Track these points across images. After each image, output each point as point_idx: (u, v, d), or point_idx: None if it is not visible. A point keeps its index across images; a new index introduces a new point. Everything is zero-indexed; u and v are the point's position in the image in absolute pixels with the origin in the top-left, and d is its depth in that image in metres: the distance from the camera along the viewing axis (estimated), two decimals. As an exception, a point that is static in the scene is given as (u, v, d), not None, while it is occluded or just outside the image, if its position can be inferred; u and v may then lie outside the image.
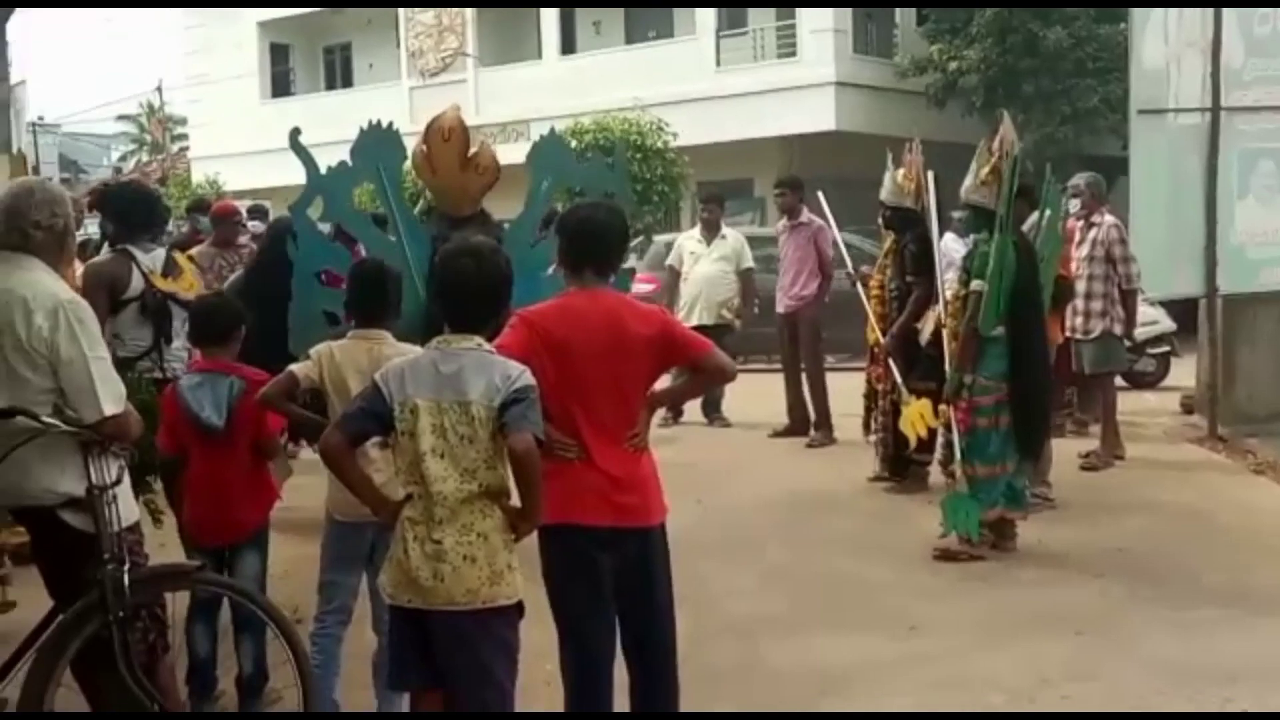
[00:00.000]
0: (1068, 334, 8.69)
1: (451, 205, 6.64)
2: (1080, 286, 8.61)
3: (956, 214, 6.88)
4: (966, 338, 6.47)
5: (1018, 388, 6.47)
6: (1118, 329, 8.71)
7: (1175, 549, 6.62)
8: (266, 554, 4.69)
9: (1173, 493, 7.90)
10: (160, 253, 6.06)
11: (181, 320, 5.82)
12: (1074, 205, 8.83)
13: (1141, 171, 9.39)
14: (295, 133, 6.45)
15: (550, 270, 6.53)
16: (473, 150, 6.55)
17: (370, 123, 6.58)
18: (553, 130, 7.52)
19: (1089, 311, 8.65)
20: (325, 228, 7.03)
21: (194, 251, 8.53)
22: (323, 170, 6.42)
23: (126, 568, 3.63)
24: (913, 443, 7.52)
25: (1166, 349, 11.96)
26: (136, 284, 5.85)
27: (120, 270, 5.90)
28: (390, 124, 6.59)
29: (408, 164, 6.77)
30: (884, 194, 8.14)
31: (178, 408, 4.52)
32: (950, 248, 9.23)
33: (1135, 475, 8.42)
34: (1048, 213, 7.05)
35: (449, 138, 6.48)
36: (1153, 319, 11.39)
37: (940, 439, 7.13)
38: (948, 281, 7.21)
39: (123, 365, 5.55)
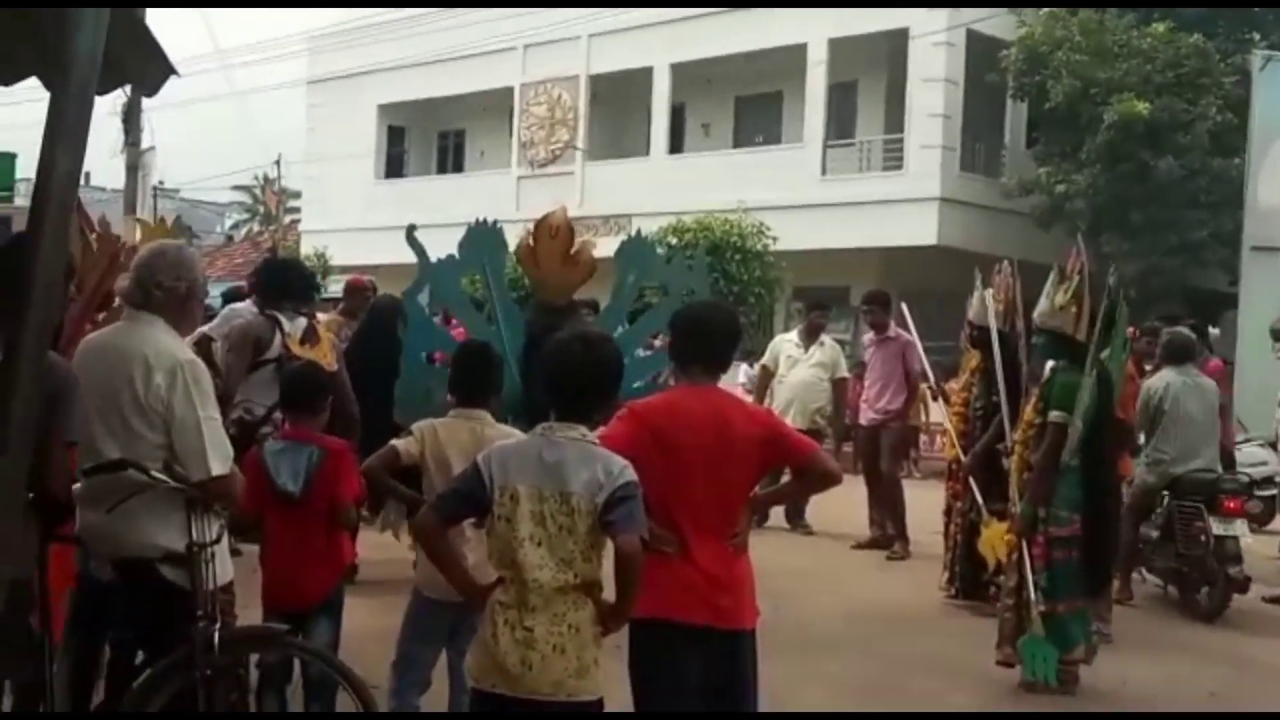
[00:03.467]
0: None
1: (549, 295, 7.12)
2: None
3: (1033, 339, 6.76)
4: (1044, 469, 6.23)
5: (1092, 520, 6.28)
6: None
7: (1270, 698, 6.40)
8: (340, 621, 4.73)
9: (1268, 641, 7.64)
10: (302, 321, 6.52)
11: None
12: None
13: (1251, 308, 9.31)
14: (411, 228, 7.09)
15: (640, 354, 7.15)
16: (574, 248, 7.06)
17: (478, 220, 7.18)
18: (639, 232, 7.99)
19: None
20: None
21: (323, 319, 8.98)
22: (433, 260, 6.96)
23: (218, 626, 3.71)
24: (991, 565, 7.39)
25: (1275, 491, 11.62)
26: (277, 347, 6.35)
27: (265, 332, 6.45)
28: (495, 222, 7.21)
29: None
30: (971, 313, 8.05)
31: (258, 472, 4.62)
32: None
33: (1228, 618, 8.15)
34: (1116, 340, 6.75)
35: (555, 235, 7.00)
36: (1261, 459, 11.09)
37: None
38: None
39: (250, 428, 5.81)
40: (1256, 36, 20.33)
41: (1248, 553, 7.98)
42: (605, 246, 7.99)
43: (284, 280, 6.94)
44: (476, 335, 6.85)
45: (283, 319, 6.48)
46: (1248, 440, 10.71)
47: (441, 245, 7.32)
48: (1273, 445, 10.56)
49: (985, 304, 7.82)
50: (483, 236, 7.11)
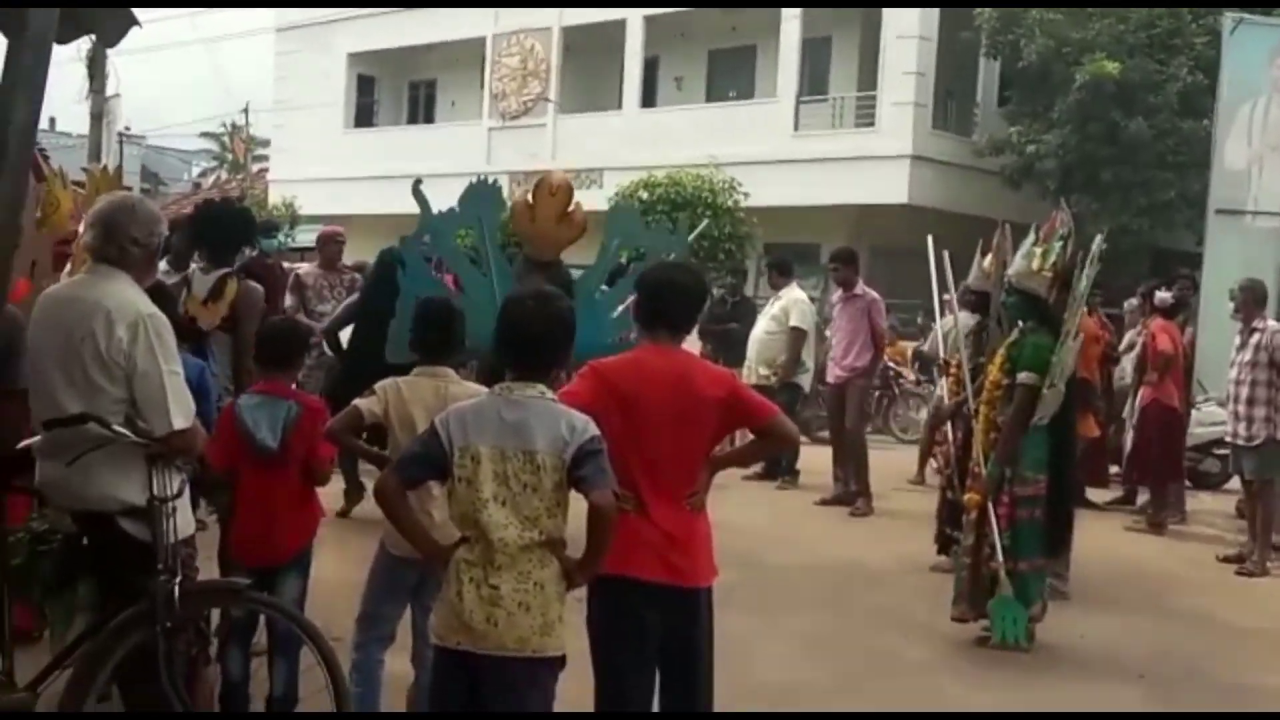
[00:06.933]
0: (1228, 439, 8.67)
1: (538, 250, 7.62)
2: (1243, 392, 8.44)
3: (1004, 298, 6.72)
4: (1013, 430, 6.27)
5: (1057, 479, 6.34)
6: None
7: (1221, 655, 6.52)
8: (308, 577, 4.73)
9: (1223, 598, 7.78)
10: (209, 280, 6.08)
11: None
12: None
13: (1214, 270, 9.36)
14: (417, 182, 7.58)
15: (615, 314, 7.48)
16: (571, 207, 7.56)
17: (479, 177, 7.78)
18: (626, 199, 8.19)
19: (1252, 417, 8.41)
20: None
21: (302, 271, 9.04)
22: (434, 212, 7.52)
23: (178, 580, 3.71)
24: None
25: (1227, 451, 11.74)
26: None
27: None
28: (495, 181, 7.78)
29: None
30: (970, 278, 7.96)
31: (234, 426, 4.59)
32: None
33: (1186, 576, 8.31)
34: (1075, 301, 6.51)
35: (555, 193, 7.58)
36: (1219, 419, 11.18)
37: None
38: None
39: None
40: (1229, -3, 20.34)
41: (1206, 511, 8.09)
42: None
43: (226, 229, 6.49)
44: (469, 285, 7.52)
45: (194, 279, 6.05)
46: (1207, 400, 10.81)
47: (446, 209, 7.52)
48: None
49: (982, 269, 7.68)
50: (482, 192, 7.62)
